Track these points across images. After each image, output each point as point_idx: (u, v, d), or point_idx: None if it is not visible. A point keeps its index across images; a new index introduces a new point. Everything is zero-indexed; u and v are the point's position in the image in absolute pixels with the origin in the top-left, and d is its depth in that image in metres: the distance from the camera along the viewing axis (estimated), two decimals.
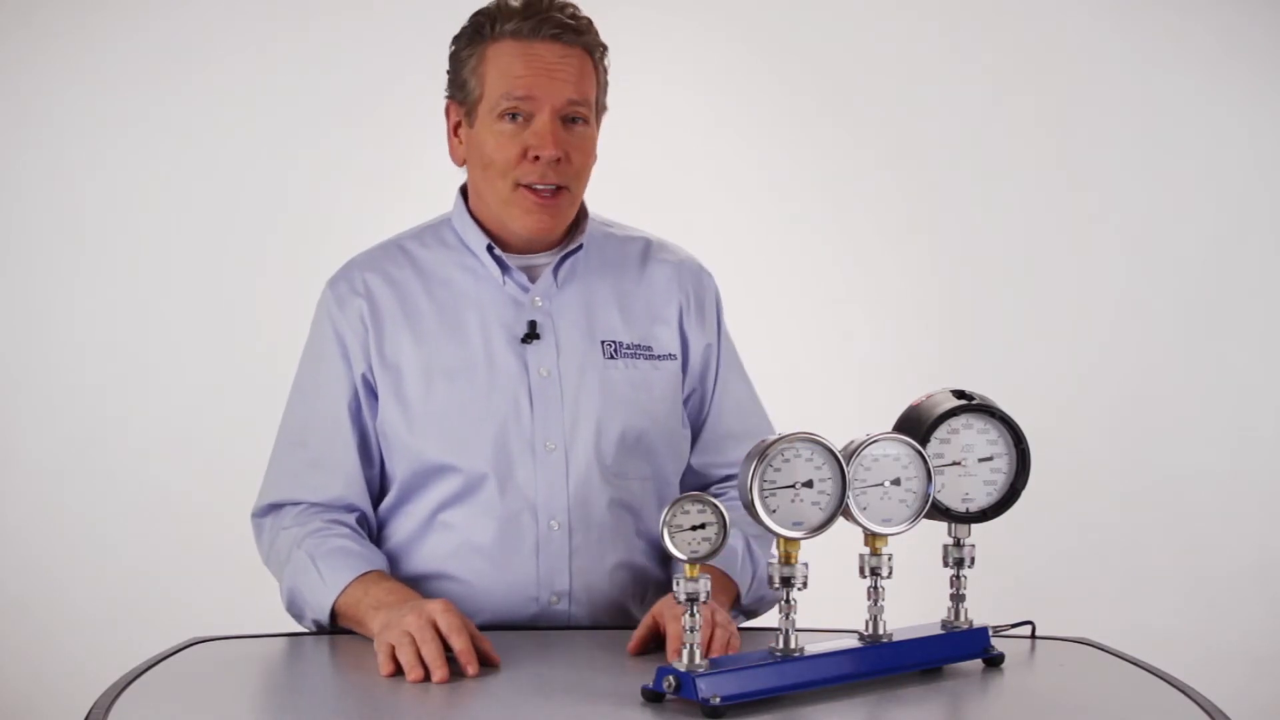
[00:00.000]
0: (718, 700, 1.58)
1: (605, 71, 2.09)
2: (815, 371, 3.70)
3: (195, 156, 3.71)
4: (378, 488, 2.11)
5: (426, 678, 1.74)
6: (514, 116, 2.01)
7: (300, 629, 2.04)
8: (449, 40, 2.11)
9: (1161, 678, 1.77)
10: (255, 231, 3.74)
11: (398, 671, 1.76)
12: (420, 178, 3.54)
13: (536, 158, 2.00)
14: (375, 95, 3.72)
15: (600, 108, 2.09)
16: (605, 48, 2.08)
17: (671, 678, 1.60)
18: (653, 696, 1.63)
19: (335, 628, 2.01)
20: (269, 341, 3.64)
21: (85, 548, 3.66)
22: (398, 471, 2.07)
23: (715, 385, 2.19)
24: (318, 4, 3.75)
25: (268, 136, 3.72)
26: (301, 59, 3.72)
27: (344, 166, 3.73)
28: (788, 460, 1.65)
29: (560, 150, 2.00)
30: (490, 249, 2.09)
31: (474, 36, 2.05)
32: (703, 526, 1.63)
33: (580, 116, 2.03)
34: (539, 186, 2.02)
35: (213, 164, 3.72)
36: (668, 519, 1.62)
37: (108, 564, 3.65)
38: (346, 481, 2.07)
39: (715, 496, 1.66)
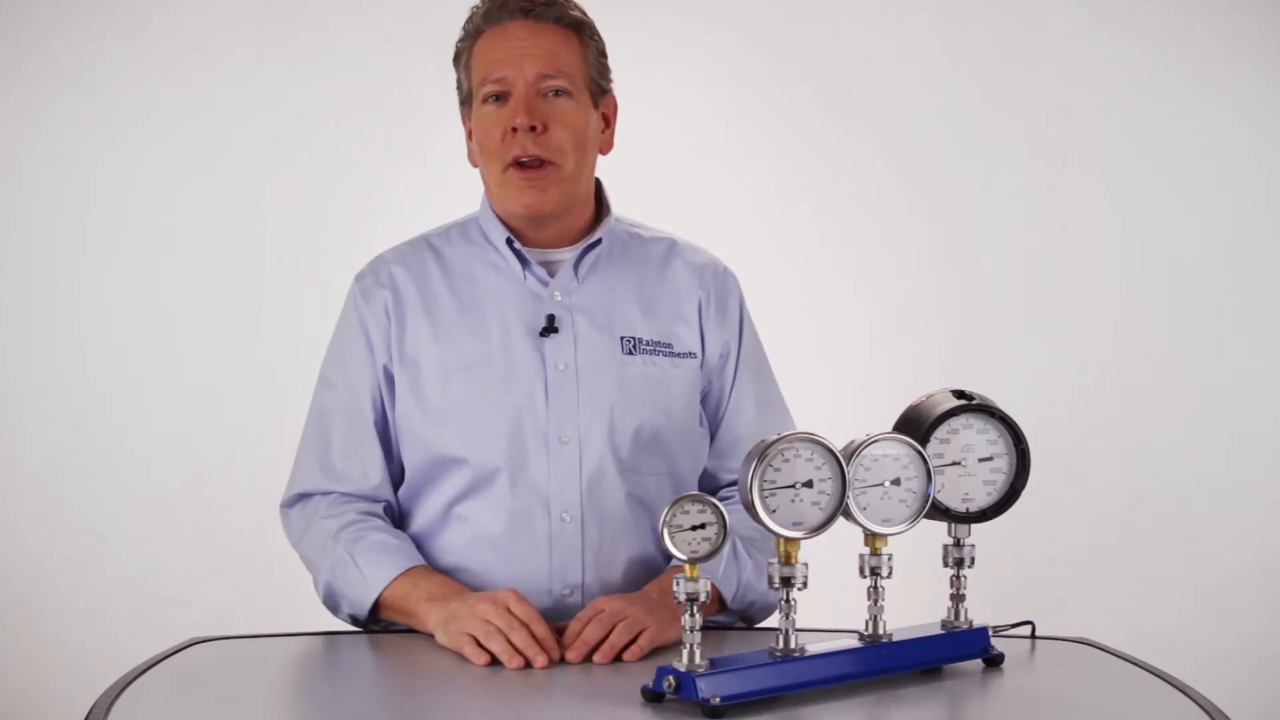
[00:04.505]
0: (718, 700, 1.58)
1: (596, 49, 2.10)
2: (815, 371, 3.69)
3: (195, 156, 3.71)
4: (399, 479, 2.13)
5: (524, 665, 1.80)
6: (497, 98, 2.05)
7: (298, 630, 2.03)
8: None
9: (1161, 678, 1.77)
10: (255, 232, 3.74)
11: (493, 660, 1.81)
12: (420, 181, 3.57)
13: (515, 130, 2.03)
14: (377, 97, 3.72)
15: (594, 84, 2.09)
16: (588, 23, 2.10)
17: (671, 678, 1.60)
18: (653, 696, 1.63)
19: (370, 620, 2.04)
20: (269, 342, 3.65)
21: (85, 548, 3.66)
22: (412, 463, 2.09)
23: (732, 387, 2.19)
24: (318, 3, 3.75)
25: (269, 137, 3.71)
26: (303, 59, 3.72)
27: (346, 168, 3.73)
28: (788, 460, 1.65)
29: (535, 119, 2.03)
30: (510, 243, 2.11)
31: (463, 36, 2.11)
32: (703, 526, 1.64)
33: (560, 89, 2.05)
34: (523, 160, 2.04)
35: (213, 163, 3.71)
36: (667, 519, 1.62)
37: (108, 564, 3.65)
38: (373, 471, 2.10)
39: (722, 500, 1.66)
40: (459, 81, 2.12)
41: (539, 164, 2.04)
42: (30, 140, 3.68)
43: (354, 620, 2.06)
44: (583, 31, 2.09)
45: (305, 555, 2.12)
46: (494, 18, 2.06)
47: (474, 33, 2.08)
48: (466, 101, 2.11)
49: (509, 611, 1.85)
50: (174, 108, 3.70)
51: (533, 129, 2.03)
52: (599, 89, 2.11)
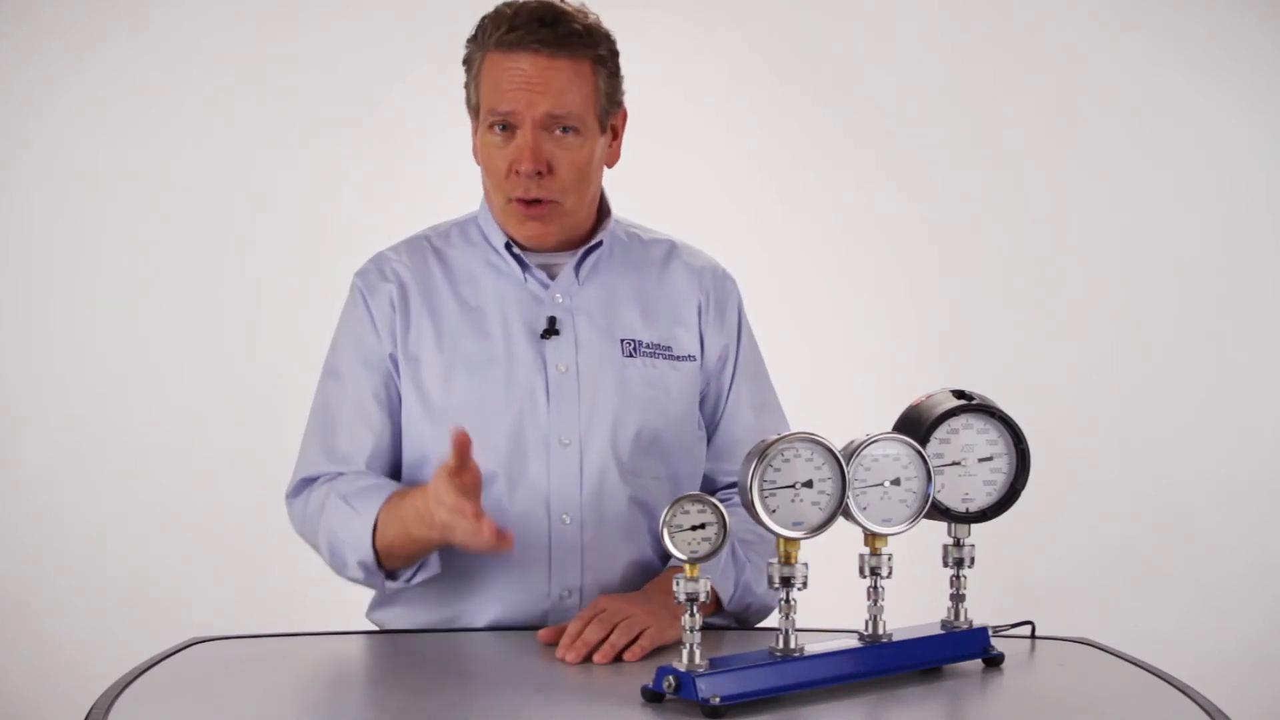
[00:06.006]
0: (718, 700, 1.58)
1: (608, 73, 2.06)
2: (815, 371, 3.69)
3: (195, 156, 3.71)
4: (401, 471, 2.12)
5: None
6: (503, 127, 2.02)
7: (298, 630, 2.03)
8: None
9: (1161, 678, 1.77)
10: (256, 231, 3.74)
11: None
12: (420, 180, 3.57)
13: (519, 171, 2.01)
14: (377, 97, 3.72)
15: (603, 112, 2.06)
16: (606, 53, 2.05)
17: (671, 678, 1.60)
18: (653, 696, 1.63)
19: (383, 572, 2.01)
20: (269, 342, 3.66)
21: (85, 548, 3.66)
22: (410, 460, 2.08)
23: (730, 390, 2.18)
24: (319, 4, 3.75)
25: (269, 137, 3.71)
26: (302, 60, 3.72)
27: (346, 168, 3.73)
28: (788, 460, 1.65)
29: (540, 164, 2.00)
30: (509, 247, 2.10)
31: (474, 44, 2.07)
32: (703, 526, 1.64)
33: (569, 126, 2.02)
34: (525, 199, 2.03)
35: (213, 164, 3.72)
36: (668, 519, 1.62)
37: (108, 564, 3.65)
38: (377, 457, 2.08)
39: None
40: (467, 87, 2.08)
41: (541, 201, 2.03)
42: (30, 140, 3.68)
43: (365, 572, 2.02)
44: (597, 62, 2.04)
45: (308, 529, 2.09)
46: (506, 45, 2.01)
47: (483, 47, 2.03)
48: (472, 110, 2.08)
49: (444, 506, 1.83)
50: (174, 108, 3.70)
51: (538, 173, 2.01)
52: (609, 113, 2.08)
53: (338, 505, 2.02)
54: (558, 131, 2.02)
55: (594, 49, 2.03)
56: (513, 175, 2.02)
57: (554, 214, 2.05)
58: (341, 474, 2.08)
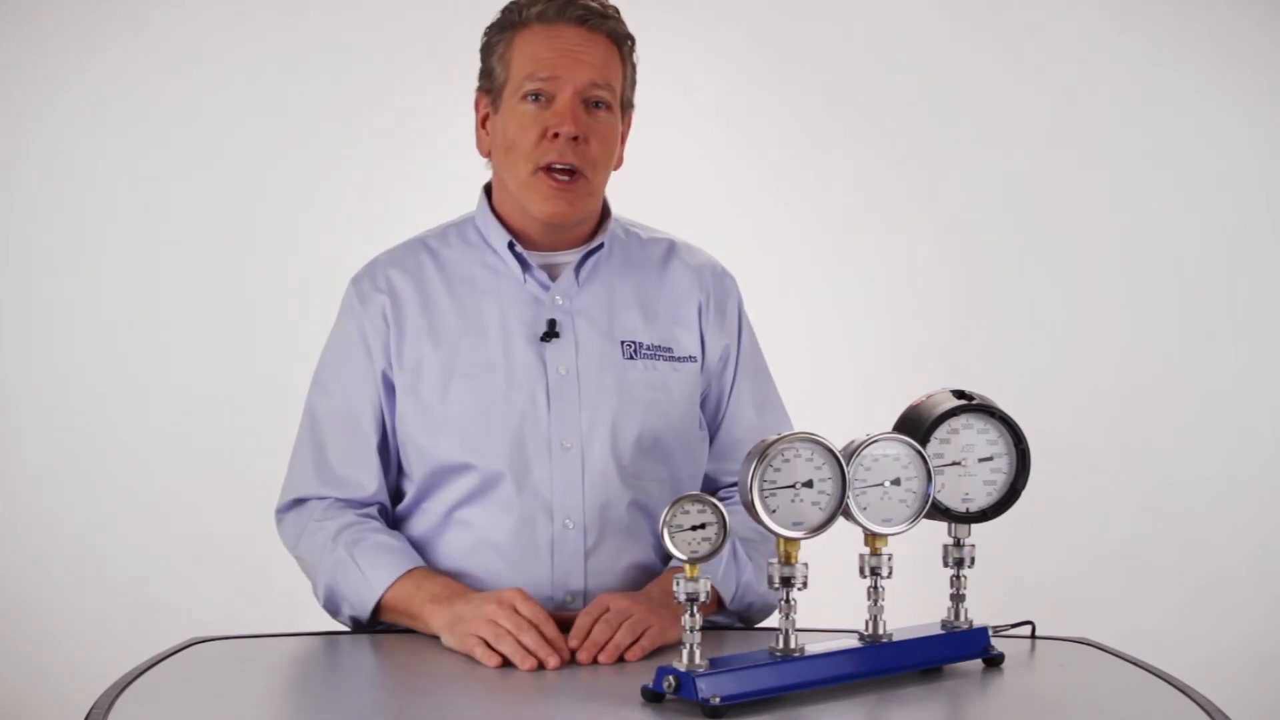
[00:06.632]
0: (718, 700, 1.58)
1: (633, 66, 2.10)
2: (815, 371, 3.69)
3: (195, 156, 3.71)
4: (394, 485, 2.12)
5: (537, 666, 1.80)
6: (537, 98, 2.03)
7: (297, 630, 2.03)
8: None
9: (1161, 678, 1.77)
10: (255, 232, 3.74)
11: (505, 662, 1.82)
12: (420, 180, 3.57)
13: (556, 135, 2.01)
14: (377, 97, 3.72)
15: (626, 100, 2.09)
16: (632, 40, 2.09)
17: (671, 678, 1.60)
18: (653, 696, 1.63)
19: (371, 622, 2.03)
20: (269, 343, 3.65)
21: (85, 548, 3.66)
22: (415, 469, 2.08)
23: (731, 390, 2.18)
24: (319, 4, 3.74)
25: (268, 138, 3.71)
26: (302, 60, 3.72)
27: (345, 168, 3.73)
28: (788, 460, 1.65)
29: (579, 129, 2.01)
30: (511, 246, 2.10)
31: (503, 25, 2.08)
32: (703, 526, 1.64)
33: (603, 101, 2.04)
34: (557, 166, 2.02)
35: (212, 164, 3.71)
36: (668, 519, 1.62)
37: (108, 564, 3.65)
38: (368, 480, 2.08)
39: (722, 502, 1.66)
40: (490, 70, 2.08)
41: (571, 174, 2.03)
42: (30, 140, 3.67)
43: (355, 622, 2.06)
44: (626, 47, 2.08)
45: (303, 559, 2.10)
46: (547, 17, 2.03)
47: (517, 24, 2.05)
48: (493, 92, 2.08)
49: (516, 612, 1.85)
50: (174, 108, 3.70)
51: (575, 138, 2.01)
52: (628, 103, 2.10)
53: (344, 560, 2.02)
54: (592, 106, 2.03)
55: (625, 33, 2.08)
56: (545, 141, 2.02)
57: (582, 191, 2.04)
58: (340, 503, 2.08)
